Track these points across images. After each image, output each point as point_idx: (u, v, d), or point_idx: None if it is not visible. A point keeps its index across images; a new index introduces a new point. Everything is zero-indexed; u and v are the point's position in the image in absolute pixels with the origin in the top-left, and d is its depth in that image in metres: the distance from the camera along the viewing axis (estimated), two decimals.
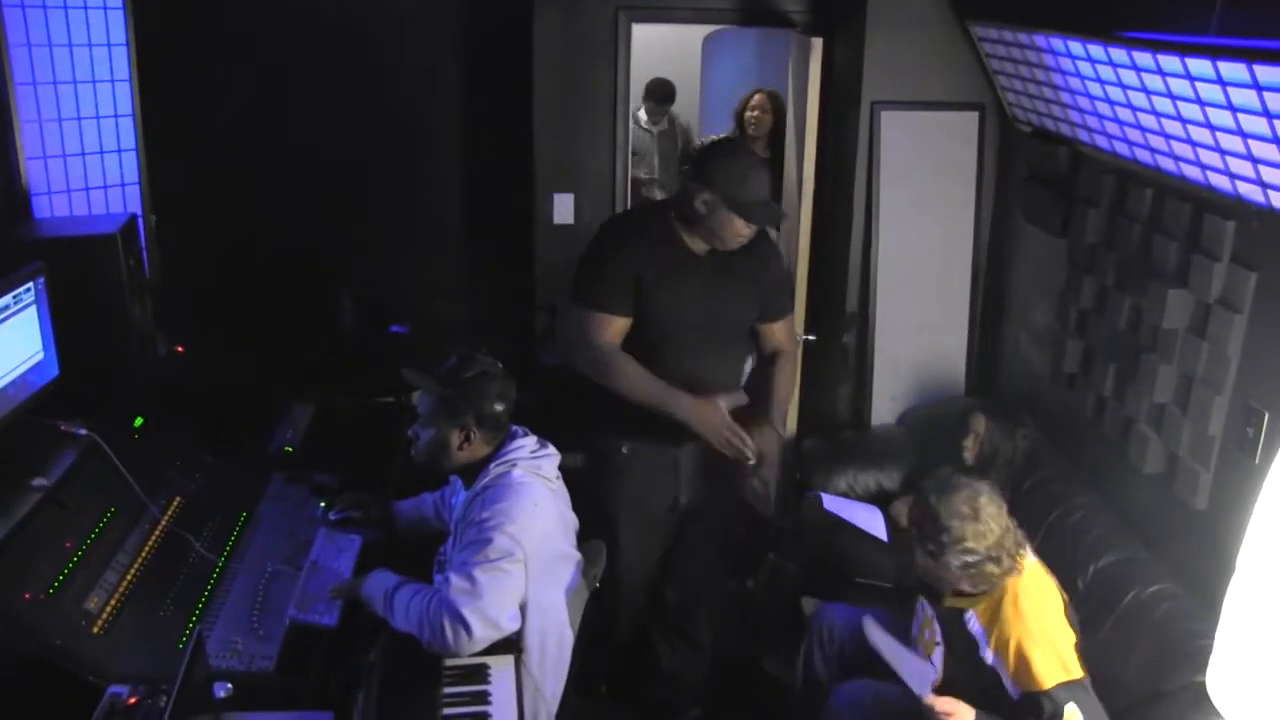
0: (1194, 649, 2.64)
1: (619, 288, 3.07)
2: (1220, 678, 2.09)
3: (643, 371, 3.06)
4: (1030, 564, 2.72)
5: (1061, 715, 2.53)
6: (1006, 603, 2.66)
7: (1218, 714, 2.14)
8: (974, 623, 2.71)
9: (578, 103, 4.83)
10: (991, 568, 2.64)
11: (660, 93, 6.41)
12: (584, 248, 3.19)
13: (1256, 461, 2.73)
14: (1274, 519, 2.04)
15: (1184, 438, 3.07)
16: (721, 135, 3.81)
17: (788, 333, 3.41)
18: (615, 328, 3.08)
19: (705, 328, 3.15)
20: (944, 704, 2.66)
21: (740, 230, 3.05)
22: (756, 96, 4.94)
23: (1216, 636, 2.13)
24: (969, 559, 2.63)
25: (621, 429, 3.20)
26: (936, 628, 2.83)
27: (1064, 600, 2.71)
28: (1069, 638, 2.64)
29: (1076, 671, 2.60)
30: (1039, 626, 2.62)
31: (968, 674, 2.74)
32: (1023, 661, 2.59)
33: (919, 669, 2.87)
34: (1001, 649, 2.64)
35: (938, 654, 2.83)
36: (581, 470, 3.27)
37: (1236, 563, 2.11)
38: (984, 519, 2.63)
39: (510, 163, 4.89)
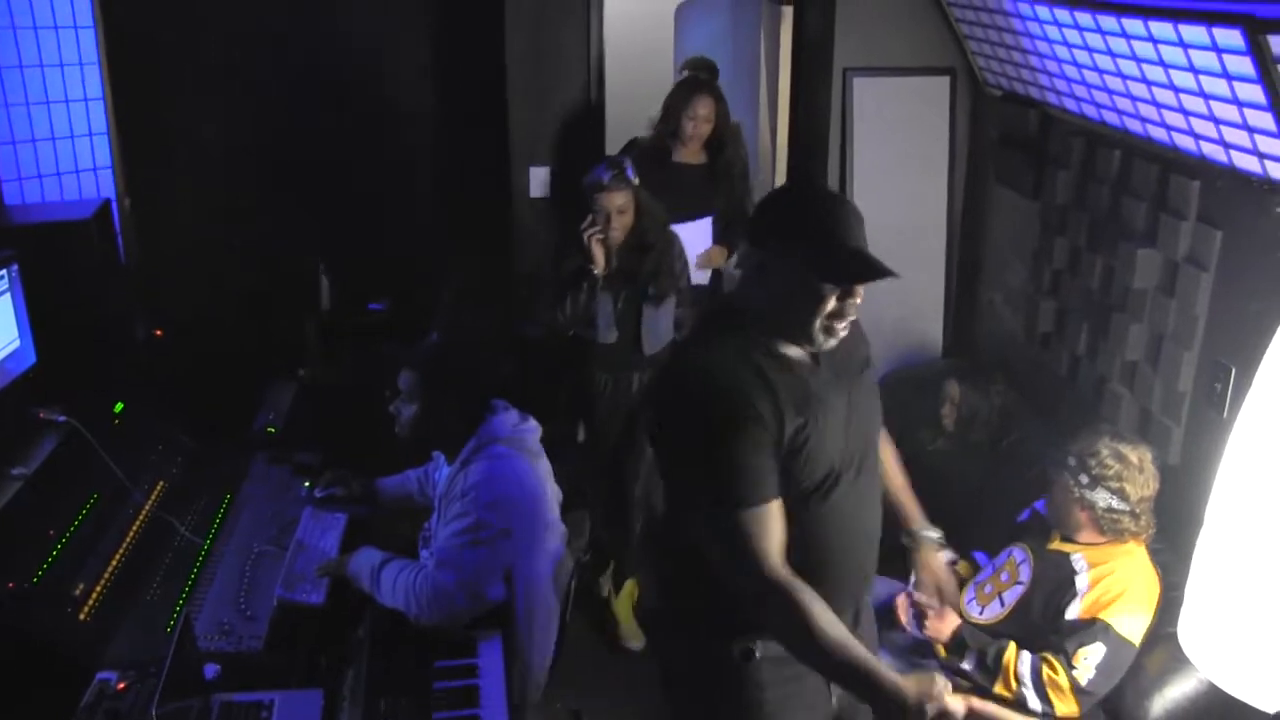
0: (1168, 601, 2.70)
1: (765, 462, 2.03)
2: (1190, 629, 2.14)
3: (835, 619, 2.04)
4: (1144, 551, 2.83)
5: (1088, 644, 2.66)
6: (1126, 559, 2.77)
7: (1190, 664, 2.20)
8: (1080, 562, 2.79)
9: (551, 74, 4.82)
10: (1129, 522, 2.74)
11: None
12: (676, 419, 2.11)
13: (1225, 415, 2.78)
14: (1240, 471, 2.08)
15: (1155, 394, 3.12)
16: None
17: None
18: (779, 526, 2.05)
19: (854, 462, 2.21)
20: (934, 624, 2.87)
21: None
22: (704, 106, 4.19)
23: (1186, 588, 2.18)
24: (1115, 503, 2.72)
25: (744, 618, 2.18)
26: (1025, 570, 2.91)
27: (1160, 592, 2.78)
28: (1149, 617, 2.73)
29: (1135, 642, 2.69)
30: (1143, 590, 2.73)
31: (1027, 615, 2.84)
32: (1107, 597, 2.70)
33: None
34: (1095, 583, 2.74)
35: (1012, 593, 2.91)
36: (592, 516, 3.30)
37: (1205, 515, 2.16)
38: (1146, 474, 2.73)
39: (485, 136, 4.87)
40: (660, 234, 3.80)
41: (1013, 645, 2.77)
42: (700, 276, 4.23)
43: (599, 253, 3.70)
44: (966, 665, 2.81)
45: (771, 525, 2.04)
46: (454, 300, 4.63)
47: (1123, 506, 2.72)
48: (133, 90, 4.12)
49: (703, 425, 2.03)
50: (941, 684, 2.01)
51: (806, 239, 2.01)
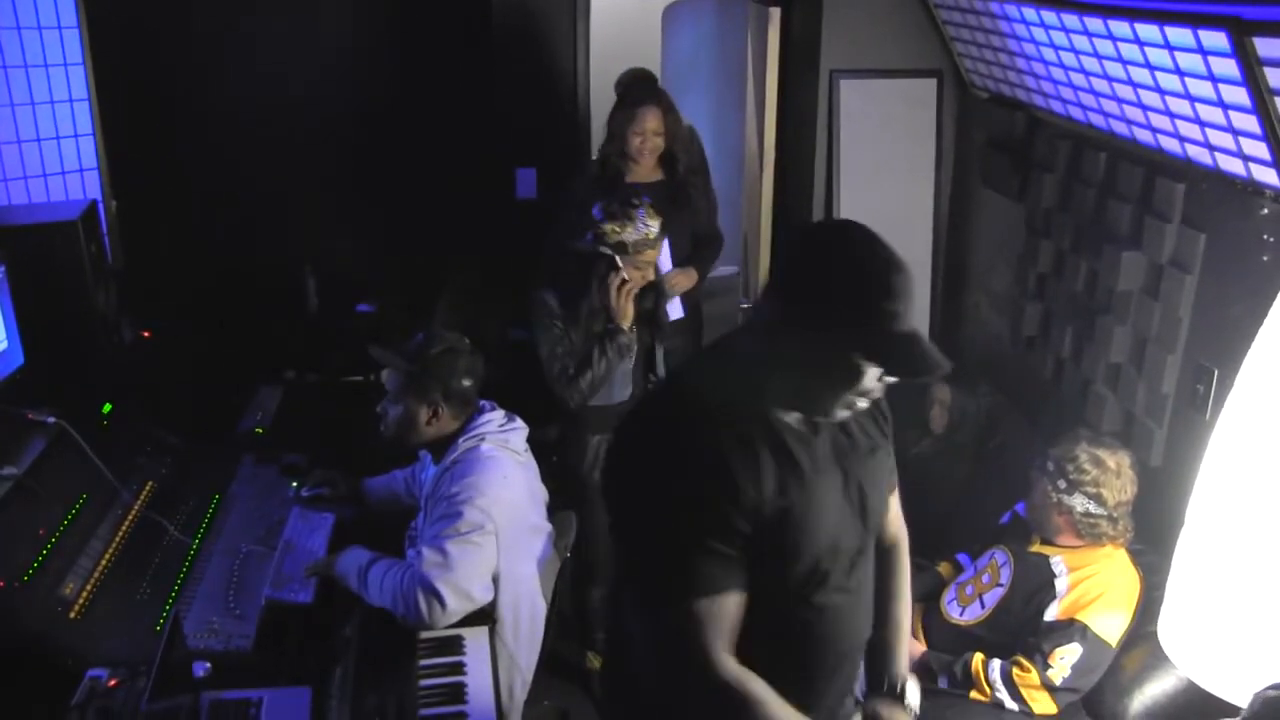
0: (1150, 600, 2.73)
1: (730, 546, 1.73)
2: (1170, 627, 2.17)
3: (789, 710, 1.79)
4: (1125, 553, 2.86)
5: (1064, 645, 2.71)
6: (1106, 561, 2.81)
7: (1170, 662, 2.22)
8: (1060, 565, 2.83)
9: (538, 76, 4.83)
10: (1106, 526, 2.78)
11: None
12: (631, 481, 1.80)
13: (1207, 418, 2.81)
14: (1220, 473, 2.11)
15: (1139, 396, 3.14)
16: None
17: (897, 507, 2.21)
18: (732, 624, 1.76)
19: (847, 559, 1.89)
20: None
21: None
22: (651, 119, 3.88)
23: (1166, 588, 2.21)
24: (1092, 507, 2.76)
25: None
26: (1006, 572, 2.94)
27: (1140, 595, 2.81)
28: (1127, 618, 2.77)
29: (1113, 642, 2.74)
30: (1122, 592, 2.77)
31: (1007, 617, 2.87)
32: (1086, 599, 2.75)
33: None
34: (1074, 585, 2.78)
35: (992, 595, 2.94)
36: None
37: (1186, 516, 2.19)
38: (1123, 479, 2.77)
39: (473, 138, 4.88)
40: (654, 269, 3.52)
41: (978, 655, 2.81)
42: (674, 310, 3.86)
43: (631, 310, 3.31)
44: (942, 684, 2.84)
45: (724, 621, 1.72)
46: (443, 301, 4.64)
47: (1100, 511, 2.75)
48: (118, 91, 4.11)
49: (661, 493, 1.71)
50: None
51: (857, 315, 1.63)
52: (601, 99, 5.01)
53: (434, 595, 2.44)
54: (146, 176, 4.38)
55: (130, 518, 2.77)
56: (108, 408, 3.15)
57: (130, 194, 4.13)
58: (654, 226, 3.26)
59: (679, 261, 3.94)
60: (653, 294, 3.44)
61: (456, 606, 2.47)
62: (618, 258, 3.24)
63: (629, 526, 1.79)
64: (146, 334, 3.78)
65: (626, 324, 3.30)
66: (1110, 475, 2.76)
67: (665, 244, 3.63)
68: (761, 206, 4.52)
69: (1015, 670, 2.74)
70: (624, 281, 3.26)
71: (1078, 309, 3.47)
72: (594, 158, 4.29)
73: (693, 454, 1.71)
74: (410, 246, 4.97)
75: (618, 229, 3.22)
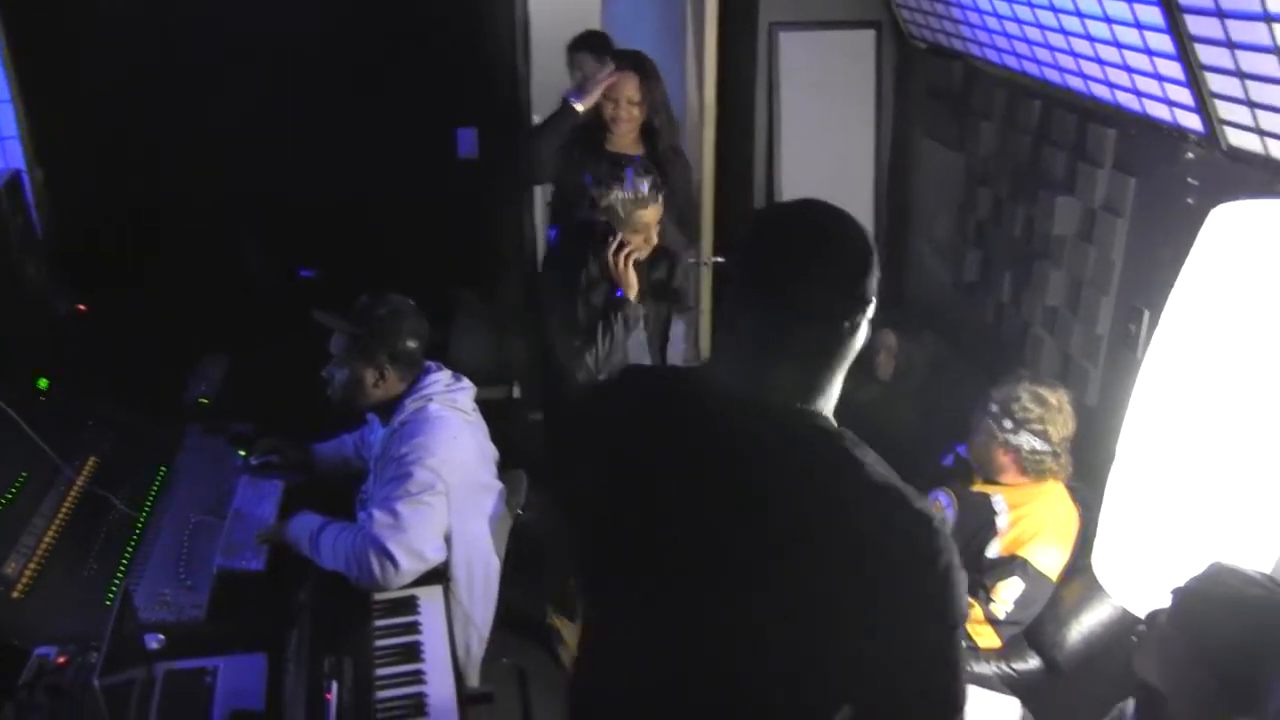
0: (1088, 534, 2.80)
1: None
2: (1104, 559, 2.24)
3: None
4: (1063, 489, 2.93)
5: (1006, 579, 2.78)
6: (1045, 498, 2.88)
7: (1105, 592, 2.30)
8: (1000, 503, 2.90)
9: (477, 34, 4.77)
10: (1050, 462, 2.84)
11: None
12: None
13: (1139, 356, 2.88)
14: (1147, 408, 2.18)
15: (1075, 338, 3.21)
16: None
17: None
18: None
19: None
20: None
21: None
22: (629, 87, 3.68)
23: (1099, 521, 2.28)
24: (1038, 444, 2.82)
25: None
26: (951, 513, 3.00)
27: (1078, 529, 2.88)
28: (1066, 551, 2.85)
29: (1053, 576, 2.82)
30: (1060, 526, 2.85)
31: None
32: (1026, 535, 2.82)
33: None
34: (1015, 522, 2.85)
35: None
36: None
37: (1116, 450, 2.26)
38: (1064, 415, 2.84)
39: (413, 97, 4.82)
40: (675, 237, 3.44)
41: None
42: None
43: (635, 278, 3.18)
44: None
45: None
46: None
47: (1045, 447, 2.82)
48: (36, 55, 3.98)
49: None
50: None
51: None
52: (542, 56, 4.97)
53: (386, 556, 2.45)
54: (73, 143, 4.27)
55: (73, 493, 2.74)
56: (44, 383, 3.10)
57: (56, 162, 4.02)
58: (644, 184, 3.15)
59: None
60: (666, 263, 3.38)
61: (409, 567, 2.49)
62: (615, 224, 3.14)
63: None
64: (82, 307, 3.72)
65: (632, 294, 3.16)
66: (1054, 412, 2.82)
67: None
68: (703, 159, 4.52)
69: None
70: (622, 246, 3.13)
71: (1016, 254, 3.52)
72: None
73: None
74: (350, 210, 4.92)
75: (606, 192, 3.15)
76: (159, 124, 4.58)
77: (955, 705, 1.38)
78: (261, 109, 4.71)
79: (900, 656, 1.37)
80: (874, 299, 1.45)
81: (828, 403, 1.48)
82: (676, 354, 3.61)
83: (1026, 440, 2.83)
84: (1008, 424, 2.84)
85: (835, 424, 1.48)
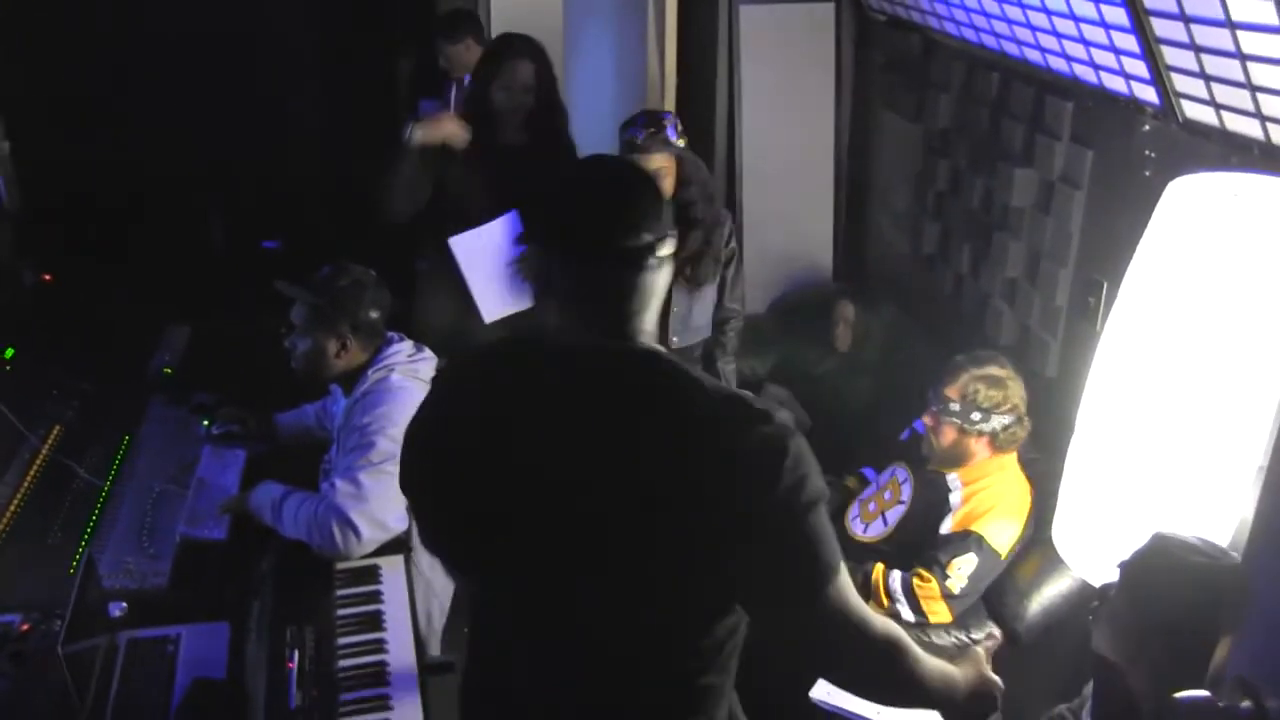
0: (1046, 507, 2.84)
1: None
2: (1063, 531, 2.28)
3: None
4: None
5: (961, 555, 2.82)
6: (999, 474, 2.91)
7: (1064, 565, 2.34)
8: (955, 480, 2.93)
9: (440, 3, 4.75)
10: (1018, 429, 2.88)
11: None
12: None
13: (1098, 329, 2.92)
14: (1106, 380, 2.21)
15: (1034, 310, 3.25)
16: None
17: None
18: None
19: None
20: None
21: None
22: (523, 71, 3.38)
23: (1059, 493, 2.32)
24: (1008, 420, 2.86)
25: None
26: (907, 489, 3.04)
27: (1031, 504, 2.92)
28: (1019, 527, 2.89)
29: (1004, 551, 2.85)
30: (1013, 502, 2.89)
31: (908, 534, 2.98)
32: (979, 510, 2.86)
33: None
34: (968, 499, 2.89)
35: (894, 512, 3.05)
36: None
37: (1075, 422, 2.29)
38: (1017, 382, 2.88)
39: (375, 68, 4.80)
40: (709, 209, 3.36)
41: (879, 566, 2.91)
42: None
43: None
44: None
45: None
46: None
47: (1015, 419, 2.87)
48: (1, 26, 3.95)
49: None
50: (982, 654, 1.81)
51: None
52: (502, 24, 4.95)
53: (349, 525, 2.46)
54: (38, 115, 4.23)
55: (38, 462, 2.74)
56: (10, 352, 3.08)
57: (22, 133, 3.98)
58: (664, 144, 3.21)
59: None
60: (697, 235, 3.33)
61: (371, 536, 2.50)
62: None
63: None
64: (48, 277, 3.69)
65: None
66: (1012, 386, 2.87)
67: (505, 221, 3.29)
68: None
69: (915, 581, 2.85)
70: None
71: (975, 226, 3.56)
72: None
73: None
74: (315, 182, 4.90)
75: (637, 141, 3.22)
76: (125, 95, 4.54)
77: (834, 568, 1.48)
78: (229, 81, 4.68)
79: (776, 544, 1.45)
80: (673, 232, 1.56)
81: (651, 339, 1.57)
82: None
83: (999, 422, 2.86)
84: (976, 416, 2.86)
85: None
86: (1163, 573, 1.74)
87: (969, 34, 3.46)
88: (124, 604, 2.29)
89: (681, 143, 3.26)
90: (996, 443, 2.89)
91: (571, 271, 1.52)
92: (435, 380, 1.77)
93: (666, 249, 1.55)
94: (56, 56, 4.43)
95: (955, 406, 2.87)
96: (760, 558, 1.45)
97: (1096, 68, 2.80)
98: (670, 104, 4.45)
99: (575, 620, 1.55)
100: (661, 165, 3.19)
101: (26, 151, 4.01)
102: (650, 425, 1.47)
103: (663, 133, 3.22)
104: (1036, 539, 2.89)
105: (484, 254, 3.28)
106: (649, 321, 1.56)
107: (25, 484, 2.65)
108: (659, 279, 1.55)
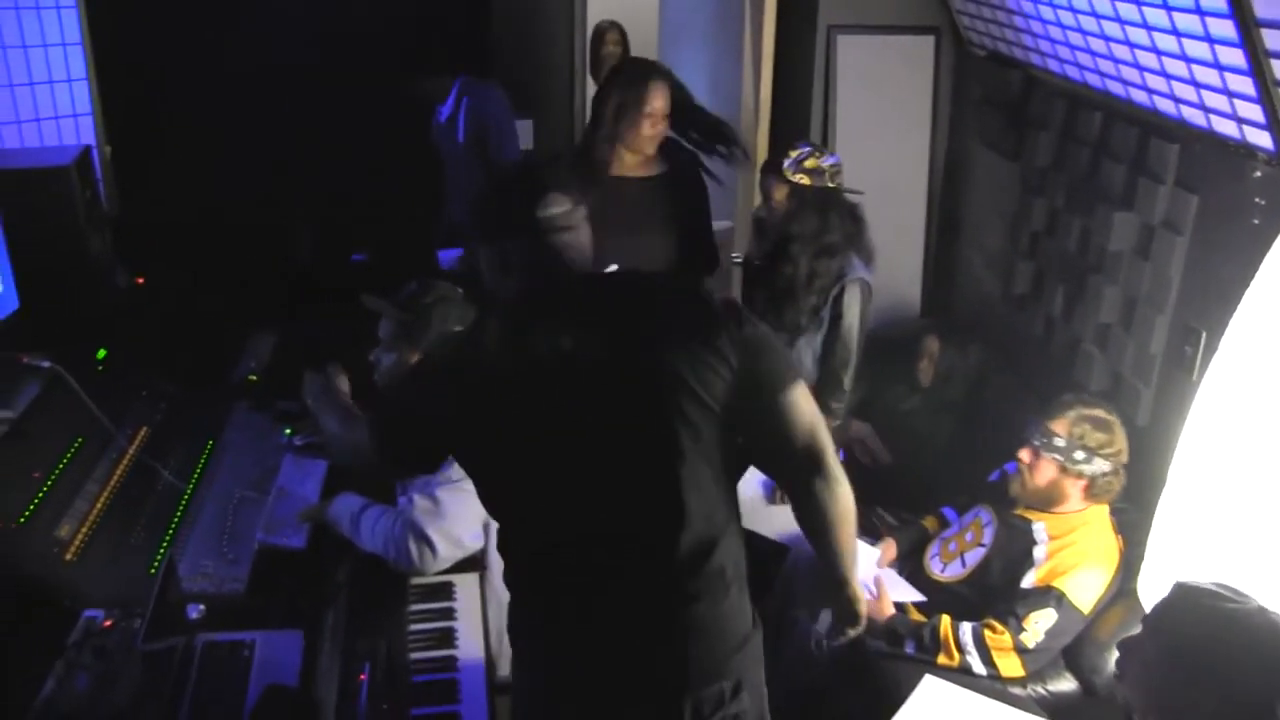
0: (1132, 558, 2.76)
1: None
2: (1150, 585, 2.21)
3: None
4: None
5: (1039, 610, 2.72)
6: (1085, 529, 2.81)
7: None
8: (1041, 532, 2.84)
9: (534, 26, 4.80)
10: (1114, 480, 2.79)
11: None
12: None
13: (1194, 378, 2.83)
14: (1204, 434, 2.14)
15: (1127, 356, 3.17)
16: None
17: None
18: None
19: None
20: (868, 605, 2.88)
21: None
22: (660, 97, 3.58)
23: (1147, 546, 2.25)
24: (1108, 466, 2.76)
25: None
26: (989, 532, 2.97)
27: (1119, 561, 2.82)
28: (1104, 585, 2.77)
29: (1087, 609, 2.75)
30: (1100, 559, 2.78)
31: (985, 577, 2.90)
32: (1063, 566, 2.75)
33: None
34: (1053, 554, 2.79)
35: (973, 554, 2.98)
36: None
37: (1168, 474, 2.22)
38: (1122, 431, 2.79)
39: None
40: (811, 259, 3.29)
41: (945, 619, 2.83)
42: None
43: None
44: (908, 650, 2.86)
45: None
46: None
47: (1112, 469, 2.77)
48: (112, 35, 4.07)
49: None
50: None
51: None
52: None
53: (425, 541, 2.47)
54: (140, 122, 4.35)
55: (125, 462, 2.79)
56: (103, 353, 3.16)
57: (124, 140, 4.10)
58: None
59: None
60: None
61: (447, 553, 2.50)
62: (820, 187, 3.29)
63: None
64: (140, 280, 3.77)
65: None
66: (1119, 432, 2.77)
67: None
68: (756, 161, 4.50)
69: (986, 632, 2.76)
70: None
71: (1069, 268, 3.48)
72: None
73: None
74: (405, 197, 4.96)
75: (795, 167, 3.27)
76: (221, 106, 4.65)
77: (796, 372, 1.98)
78: (321, 96, 4.78)
79: (756, 350, 1.91)
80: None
81: None
82: None
83: (1099, 466, 2.77)
84: (1079, 455, 2.76)
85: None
86: (1197, 624, 1.68)
87: (1072, 72, 3.39)
88: (201, 606, 2.31)
89: (803, 180, 3.23)
90: (1093, 490, 2.79)
91: (522, 246, 1.99)
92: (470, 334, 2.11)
93: (569, 218, 2.00)
94: (159, 70, 4.56)
95: (1060, 443, 2.78)
96: (747, 362, 1.88)
97: (1207, 110, 2.73)
98: (764, 132, 4.44)
99: (621, 496, 1.88)
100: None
101: (126, 158, 4.12)
102: (649, 311, 1.92)
103: (782, 159, 3.25)
104: (1122, 591, 2.80)
105: None
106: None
107: (112, 483, 2.69)
108: (578, 238, 2.02)
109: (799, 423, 1.94)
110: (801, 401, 1.94)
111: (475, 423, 1.92)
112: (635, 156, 3.35)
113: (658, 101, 3.26)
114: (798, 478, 1.99)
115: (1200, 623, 1.68)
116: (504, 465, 1.94)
